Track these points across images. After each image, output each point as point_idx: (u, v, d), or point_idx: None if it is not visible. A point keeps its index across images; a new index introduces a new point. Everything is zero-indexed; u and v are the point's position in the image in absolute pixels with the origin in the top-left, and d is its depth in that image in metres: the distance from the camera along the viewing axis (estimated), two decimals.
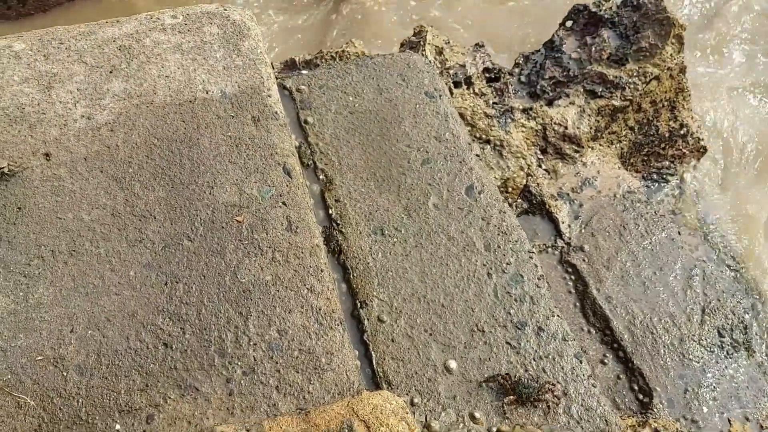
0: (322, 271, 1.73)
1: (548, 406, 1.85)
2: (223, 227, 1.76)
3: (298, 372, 1.57)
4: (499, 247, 2.22)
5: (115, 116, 1.90)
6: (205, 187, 1.83)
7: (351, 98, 2.52)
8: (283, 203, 1.82)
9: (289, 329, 1.63)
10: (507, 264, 2.19)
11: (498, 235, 2.25)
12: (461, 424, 1.87)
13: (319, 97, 2.49)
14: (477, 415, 1.90)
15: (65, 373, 1.51)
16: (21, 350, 1.52)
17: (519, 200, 3.40)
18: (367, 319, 2.01)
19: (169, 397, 1.51)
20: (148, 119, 1.90)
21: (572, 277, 3.16)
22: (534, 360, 2.00)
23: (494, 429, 1.75)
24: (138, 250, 1.69)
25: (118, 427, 1.45)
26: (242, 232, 1.75)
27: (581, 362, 2.03)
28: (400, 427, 1.49)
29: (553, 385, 1.86)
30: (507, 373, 1.89)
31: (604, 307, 2.99)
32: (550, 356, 2.02)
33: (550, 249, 3.29)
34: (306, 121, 2.41)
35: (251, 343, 1.60)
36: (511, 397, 1.88)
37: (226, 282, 1.68)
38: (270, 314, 1.65)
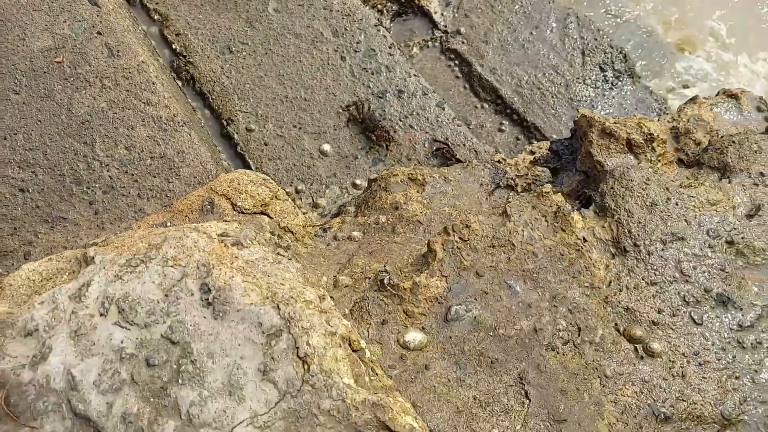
0: (154, 83, 1.75)
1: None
2: (45, 72, 1.75)
3: (155, 177, 1.64)
4: (346, 29, 2.23)
5: None
6: (17, 41, 1.79)
7: None
8: (98, 33, 1.80)
9: (136, 143, 1.68)
10: (357, 43, 2.22)
11: (343, 18, 2.26)
12: (345, 194, 1.99)
13: None
14: (358, 182, 2.01)
15: None
16: None
17: (388, 3, 3.35)
18: (237, 133, 2.07)
19: (40, 233, 1.57)
20: None
21: (456, 61, 3.19)
22: (400, 120, 2.09)
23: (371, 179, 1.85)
24: None
25: None
26: (65, 71, 1.75)
27: (444, 109, 2.12)
28: (261, 191, 1.58)
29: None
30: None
31: (491, 80, 3.06)
32: (415, 112, 2.11)
33: (429, 42, 3.29)
34: None
35: (103, 165, 1.65)
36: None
37: (63, 120, 1.70)
38: (114, 135, 1.68)
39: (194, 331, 1.03)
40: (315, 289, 1.14)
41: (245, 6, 2.27)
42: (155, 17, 2.26)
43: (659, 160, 1.57)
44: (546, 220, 1.36)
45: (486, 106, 3.14)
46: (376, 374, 1.11)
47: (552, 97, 3.11)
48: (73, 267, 1.16)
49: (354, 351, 1.09)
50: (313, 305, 1.09)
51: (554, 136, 2.98)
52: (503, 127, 3.07)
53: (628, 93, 3.16)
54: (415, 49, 3.29)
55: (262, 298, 1.06)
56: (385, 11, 3.40)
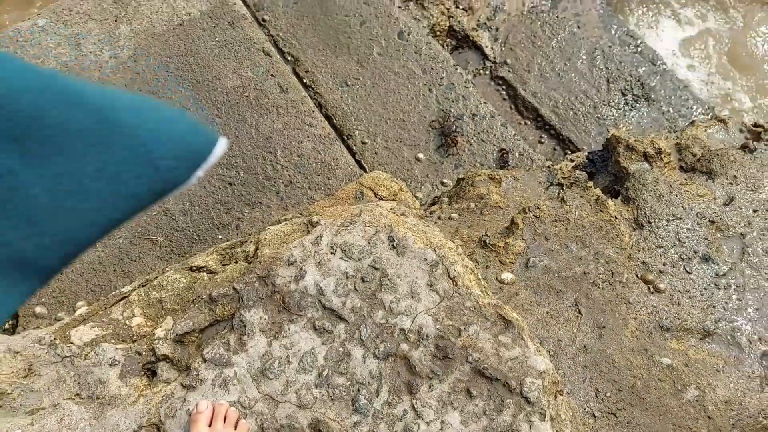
0: (313, 111, 2.46)
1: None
2: (237, 102, 2.47)
3: (319, 175, 2.34)
4: (432, 68, 2.94)
5: (133, 51, 2.55)
6: (215, 80, 2.51)
7: None
8: (272, 75, 2.52)
9: (305, 152, 2.39)
10: (441, 79, 2.92)
11: (429, 60, 2.96)
12: (436, 190, 2.69)
13: None
14: (445, 181, 2.71)
15: (174, 218, 2.28)
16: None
17: (448, 40, 4.06)
18: (355, 146, 2.77)
19: (245, 212, 2.29)
20: (156, 46, 2.55)
21: (503, 87, 3.89)
22: (474, 135, 2.79)
23: (459, 178, 2.55)
24: None
25: (220, 236, 2.25)
26: (251, 102, 2.46)
27: (507, 128, 2.81)
28: (392, 185, 2.28)
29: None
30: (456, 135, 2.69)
31: (532, 101, 3.75)
32: (485, 130, 2.81)
33: (481, 71, 3.99)
34: (264, 20, 3.04)
35: (283, 167, 2.37)
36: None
37: (253, 136, 2.42)
38: (289, 147, 2.40)
39: (387, 262, 1.74)
40: (451, 242, 1.85)
41: (356, 51, 2.99)
42: (289, 58, 3.00)
43: (665, 167, 2.25)
44: (590, 205, 2.06)
45: (528, 122, 3.84)
46: (488, 294, 1.82)
47: (582, 116, 3.78)
48: (303, 228, 1.88)
49: (477, 279, 1.80)
50: (453, 250, 1.80)
51: (585, 148, 3.66)
52: (542, 140, 3.75)
53: (645, 113, 3.82)
54: (469, 76, 4.00)
55: (425, 244, 1.77)
56: (446, 46, 4.12)
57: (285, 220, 2.20)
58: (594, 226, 2.00)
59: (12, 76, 0.39)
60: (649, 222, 2.05)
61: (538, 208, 2.03)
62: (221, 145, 0.50)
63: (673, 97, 3.84)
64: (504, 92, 3.91)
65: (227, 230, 2.25)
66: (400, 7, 3.15)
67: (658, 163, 2.22)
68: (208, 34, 2.60)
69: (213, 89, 2.50)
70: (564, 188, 2.40)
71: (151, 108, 0.46)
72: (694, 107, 3.81)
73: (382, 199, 2.26)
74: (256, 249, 1.89)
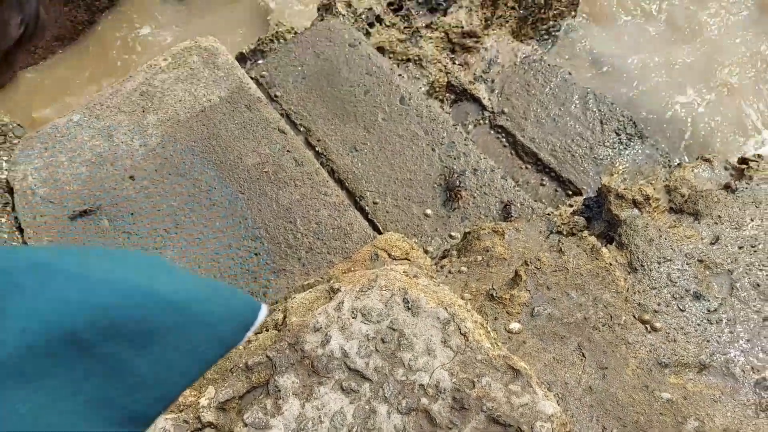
0: (327, 181, 2.68)
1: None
2: (258, 178, 2.70)
3: (336, 240, 2.55)
4: (433, 129, 3.17)
5: (160, 138, 2.81)
6: (236, 159, 2.76)
7: (300, 68, 3.41)
8: (288, 151, 2.76)
9: (322, 220, 2.61)
10: (442, 138, 3.15)
11: (430, 122, 3.20)
12: (445, 243, 2.88)
13: (278, 76, 3.38)
14: (453, 234, 2.90)
15: None
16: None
17: (447, 94, 4.31)
18: (367, 206, 2.99)
19: (271, 280, 2.50)
20: (181, 132, 2.81)
21: (503, 134, 4.11)
22: (477, 189, 2.99)
23: (462, 234, 2.75)
24: (215, 210, 2.64)
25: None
26: (271, 177, 2.70)
27: (507, 180, 3.02)
28: (404, 245, 2.48)
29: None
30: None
31: (531, 147, 3.96)
32: (486, 184, 3.01)
33: (481, 121, 4.22)
34: (276, 96, 3.31)
35: (303, 235, 2.58)
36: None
37: (274, 208, 2.64)
38: (308, 216, 2.62)
39: (404, 323, 1.93)
40: (461, 300, 2.03)
41: (362, 118, 3.23)
42: (301, 129, 3.24)
43: (655, 211, 2.43)
44: (586, 253, 2.24)
45: (529, 167, 4.04)
46: (498, 345, 1.99)
47: (580, 157, 3.97)
48: (326, 295, 2.08)
49: (486, 332, 1.98)
50: (462, 307, 1.98)
51: (584, 188, 3.85)
52: (544, 183, 3.95)
53: (639, 151, 4.01)
54: (470, 127, 4.24)
55: (437, 303, 1.96)
56: (446, 100, 4.37)
57: (309, 285, 2.40)
58: (591, 273, 2.18)
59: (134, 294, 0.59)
60: (642, 265, 2.22)
61: (538, 259, 2.22)
62: (263, 312, 0.71)
63: (666, 133, 4.03)
64: (504, 140, 4.12)
65: (256, 297, 2.45)
66: (400, 75, 3.40)
67: (647, 209, 2.40)
68: (228, 118, 2.86)
69: (235, 167, 2.74)
70: (564, 236, 2.58)
71: (214, 292, 0.67)
72: (686, 141, 3.99)
73: (396, 259, 2.46)
74: (284, 317, 2.09)
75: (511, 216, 2.84)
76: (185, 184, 2.69)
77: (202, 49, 2.97)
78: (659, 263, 2.22)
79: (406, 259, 2.48)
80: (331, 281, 2.11)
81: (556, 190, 3.92)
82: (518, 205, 2.90)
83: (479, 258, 2.50)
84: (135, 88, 2.91)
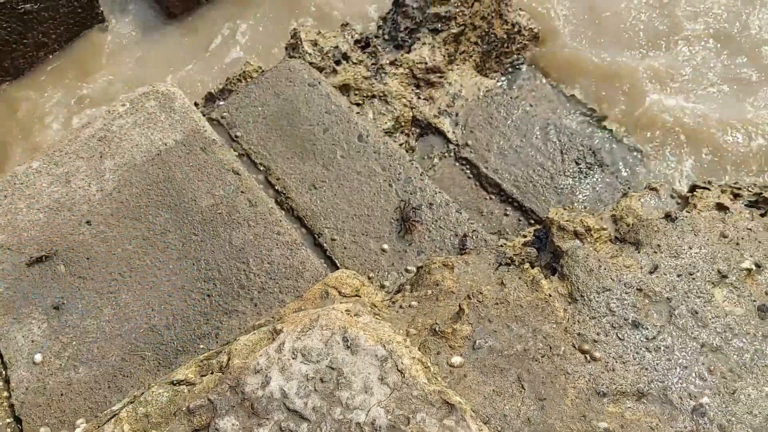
0: (280, 221, 2.74)
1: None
2: (212, 219, 2.76)
3: (289, 279, 2.60)
4: (390, 165, 3.25)
5: (117, 182, 2.87)
6: (191, 201, 2.81)
7: (260, 108, 3.50)
8: (242, 192, 2.82)
9: (275, 259, 2.65)
10: (399, 174, 3.22)
11: (387, 158, 3.27)
12: (402, 277, 2.93)
13: (239, 116, 3.46)
14: (409, 268, 2.95)
15: (160, 333, 2.53)
16: (129, 331, 2.54)
17: (413, 128, 4.40)
18: (325, 243, 3.04)
19: (223, 321, 2.53)
20: (137, 176, 2.88)
21: (467, 166, 4.19)
22: (432, 223, 3.06)
23: (418, 267, 2.80)
24: (168, 253, 2.69)
25: (201, 346, 2.48)
26: (224, 218, 2.75)
27: (461, 213, 3.08)
28: (355, 282, 2.53)
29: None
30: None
31: (494, 178, 4.04)
32: (441, 217, 3.07)
33: (446, 154, 4.31)
34: (236, 136, 3.39)
35: (256, 275, 2.63)
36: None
37: (227, 249, 2.69)
38: (261, 256, 2.67)
39: (342, 362, 1.97)
40: (400, 336, 2.08)
41: (321, 155, 3.31)
42: (261, 168, 3.31)
43: (597, 241, 2.49)
44: (526, 285, 2.29)
45: (493, 198, 4.11)
46: (437, 380, 2.03)
47: (541, 187, 4.05)
48: (269, 336, 2.12)
49: (425, 367, 2.02)
50: (401, 344, 2.03)
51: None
52: (507, 212, 4.01)
53: (599, 179, 4.09)
54: (435, 159, 4.32)
55: (375, 341, 2.00)
56: (411, 134, 4.46)
57: (259, 326, 2.44)
58: (531, 305, 2.23)
59: None
60: (582, 295, 2.27)
61: (480, 293, 2.27)
62: None
63: (625, 161, 4.12)
64: (468, 171, 4.20)
65: (208, 339, 2.49)
66: (358, 113, 3.49)
67: (589, 239, 2.46)
68: (183, 161, 2.93)
69: (189, 210, 2.80)
70: (512, 267, 2.64)
71: None
72: (643, 169, 4.08)
73: (346, 297, 2.50)
74: (228, 359, 2.13)
75: (467, 248, 2.89)
76: (140, 228, 2.75)
77: (160, 93, 3.05)
78: (599, 293, 2.27)
79: (356, 296, 2.52)
80: (276, 324, 2.16)
81: (519, 220, 3.99)
82: (473, 237, 2.96)
83: (429, 292, 2.54)
84: (93, 133, 2.99)
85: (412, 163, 3.24)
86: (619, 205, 2.77)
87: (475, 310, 2.24)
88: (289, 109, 3.47)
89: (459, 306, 2.29)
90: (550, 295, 2.26)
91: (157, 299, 2.59)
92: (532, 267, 2.41)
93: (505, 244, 2.93)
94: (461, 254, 2.87)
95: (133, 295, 2.60)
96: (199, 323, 2.53)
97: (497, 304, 2.25)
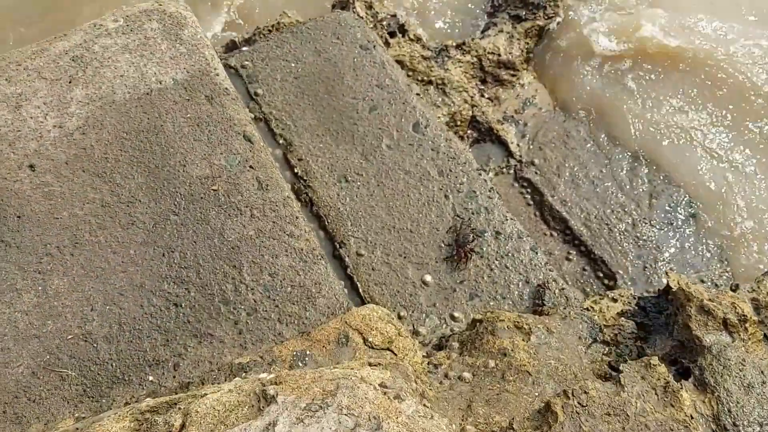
0: (297, 218, 1.98)
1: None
2: (202, 197, 2.00)
3: (294, 304, 1.83)
4: (450, 171, 2.48)
5: (84, 120, 2.09)
6: (178, 166, 2.05)
7: (293, 64, 2.72)
8: (251, 167, 2.06)
9: (279, 271, 1.89)
10: (460, 184, 2.45)
11: (448, 160, 2.50)
12: (444, 325, 2.16)
13: (264, 69, 2.69)
14: (456, 314, 2.19)
15: (95, 345, 1.75)
16: (52, 334, 1.76)
17: (469, 131, 3.63)
18: (348, 256, 2.27)
19: (189, 346, 1.76)
20: (113, 117, 2.10)
21: (528, 190, 3.43)
22: (497, 260, 2.29)
23: (470, 320, 2.03)
24: (132, 232, 1.92)
25: (150, 378, 1.70)
26: (220, 199, 1.99)
27: (537, 253, 2.31)
28: (388, 329, 1.76)
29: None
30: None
31: (561, 211, 3.28)
32: (510, 254, 2.30)
33: (504, 169, 3.55)
34: (256, 93, 2.61)
35: (249, 288, 1.86)
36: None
37: (215, 243, 1.93)
38: (260, 262, 1.90)
39: None
40: None
41: (361, 140, 2.54)
42: (280, 141, 2.54)
43: (750, 339, 1.72)
44: (656, 393, 1.52)
45: (555, 234, 3.34)
46: None
47: (619, 233, 3.29)
48: (253, 401, 1.34)
49: None
50: None
51: (620, 272, 3.15)
52: (570, 257, 3.25)
53: (693, 238, 3.32)
54: (490, 174, 3.55)
55: None
56: (466, 137, 3.68)
57: (240, 367, 1.66)
58: (662, 427, 1.45)
59: None
60: (735, 425, 1.50)
61: (584, 391, 1.49)
62: None
63: (721, 219, 3.36)
64: (528, 196, 3.45)
65: (161, 369, 1.72)
66: (418, 94, 2.72)
67: (742, 335, 1.69)
68: (179, 109, 2.17)
69: (173, 178, 2.05)
70: (607, 346, 1.87)
71: None
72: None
73: (374, 348, 1.73)
74: (183, 425, 1.34)
75: (544, 304, 2.13)
76: (101, 189, 1.97)
77: (166, 15, 2.28)
78: (761, 426, 1.50)
79: (388, 349, 1.75)
80: (266, 385, 1.37)
81: (584, 269, 3.23)
82: (553, 290, 2.19)
83: (491, 363, 1.77)
84: (67, 50, 2.20)
85: (480, 174, 2.47)
86: (761, 287, 2.00)
87: (574, 418, 1.46)
88: (330, 72, 2.71)
89: (547, 405, 1.51)
90: (691, 417, 1.48)
91: (102, 295, 1.81)
92: (661, 361, 1.63)
93: (591, 307, 2.17)
94: (537, 312, 2.10)
95: (69, 283, 1.82)
96: (154, 343, 1.76)
97: (609, 414, 1.47)
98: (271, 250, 1.94)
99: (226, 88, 2.24)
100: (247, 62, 2.70)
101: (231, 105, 2.20)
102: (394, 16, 3.73)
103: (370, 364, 1.49)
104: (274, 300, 1.85)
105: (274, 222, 1.97)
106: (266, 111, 2.58)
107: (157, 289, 1.85)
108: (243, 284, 1.87)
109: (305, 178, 2.45)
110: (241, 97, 2.45)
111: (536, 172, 3.47)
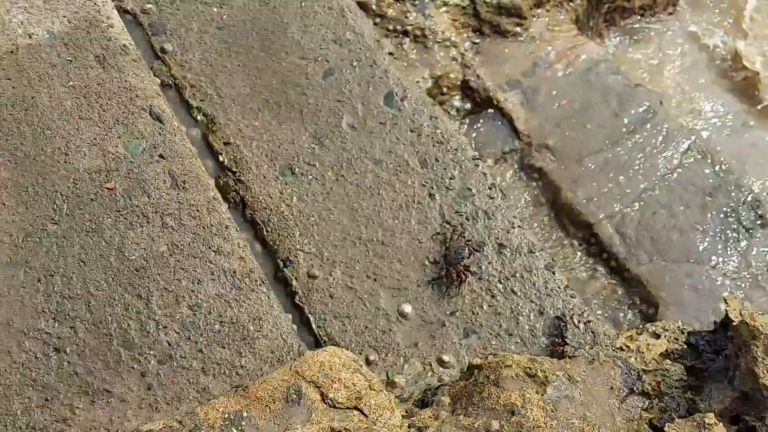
0: (227, 227, 2.10)
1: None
2: (92, 199, 2.13)
3: (224, 347, 1.94)
4: (437, 160, 2.61)
5: None
6: (58, 155, 2.18)
7: (215, 9, 2.83)
8: (160, 156, 2.16)
9: (203, 302, 2.01)
10: (450, 179, 2.58)
11: (433, 146, 2.63)
12: (429, 372, 2.27)
13: (174, 16, 2.79)
14: (445, 358, 2.30)
15: None
16: None
17: (459, 101, 3.76)
18: (295, 279, 2.38)
19: (77, 408, 1.87)
20: None
21: (540, 183, 3.56)
22: (500, 282, 2.40)
23: (466, 365, 2.13)
24: None
25: None
26: (117, 201, 2.11)
27: (554, 274, 2.44)
28: (356, 380, 1.85)
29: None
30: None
31: (583, 211, 3.41)
32: (518, 274, 2.42)
33: (507, 155, 3.68)
34: (163, 50, 2.70)
35: (160, 326, 1.97)
36: None
37: (112, 263, 2.04)
38: (175, 289, 2.01)
39: None
40: None
41: (313, 117, 2.64)
42: (198, 117, 2.61)
43: None
44: None
45: (575, 243, 3.50)
46: None
47: (664, 243, 3.45)
48: None
49: None
50: None
51: (663, 295, 3.31)
52: (597, 273, 3.41)
53: (757, 249, 3.53)
54: (488, 162, 3.68)
55: None
56: (456, 109, 3.82)
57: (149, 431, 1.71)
58: None
59: None
60: None
61: None
62: None
63: None
64: (539, 191, 3.59)
65: None
66: (391, 53, 2.82)
67: None
68: (57, 74, 2.30)
69: (53, 170, 2.18)
70: (655, 405, 1.99)
71: None
72: None
73: (336, 408, 1.81)
74: None
75: (565, 343, 2.25)
76: None
77: None
78: None
79: (356, 408, 1.84)
80: None
81: (616, 290, 3.39)
82: (576, 323, 2.31)
83: (495, 426, 1.88)
84: None
85: (477, 165, 2.59)
86: None
87: None
88: (268, 20, 2.88)
89: None
90: None
91: None
92: (718, 419, 1.76)
93: (626, 346, 2.30)
94: (555, 354, 2.22)
95: None
96: (27, 403, 1.85)
97: None
98: (191, 272, 2.06)
99: (124, 45, 2.36)
100: (149, 5, 2.78)
101: (132, 69, 2.33)
102: None
103: (332, 430, 1.57)
104: (196, 342, 1.97)
105: (194, 233, 2.10)
106: (177, 74, 2.67)
107: (31, 328, 1.95)
108: (152, 320, 1.99)
109: (234, 169, 2.54)
110: (143, 55, 2.52)
111: (551, 159, 3.60)
